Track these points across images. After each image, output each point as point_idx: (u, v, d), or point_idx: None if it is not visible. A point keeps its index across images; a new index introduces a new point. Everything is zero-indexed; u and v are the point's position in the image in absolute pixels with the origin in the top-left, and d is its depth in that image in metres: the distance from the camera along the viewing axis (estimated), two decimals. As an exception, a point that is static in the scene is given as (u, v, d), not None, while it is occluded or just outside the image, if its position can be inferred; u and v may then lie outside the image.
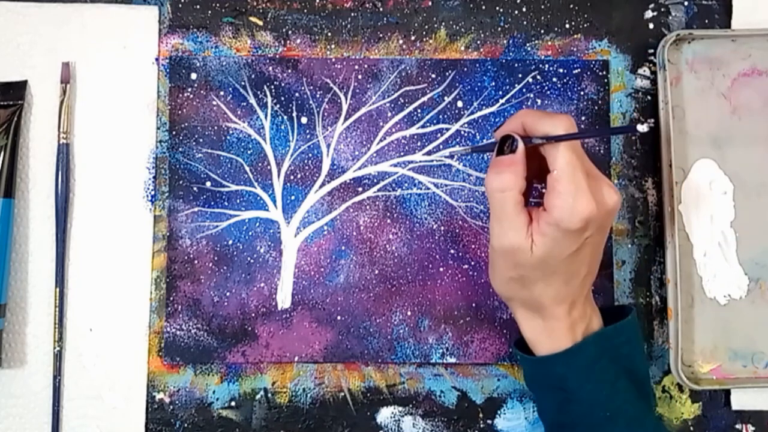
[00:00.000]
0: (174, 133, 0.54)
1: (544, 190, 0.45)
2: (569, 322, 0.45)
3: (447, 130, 0.54)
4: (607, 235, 0.46)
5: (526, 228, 0.43)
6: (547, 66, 0.54)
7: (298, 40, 0.55)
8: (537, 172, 0.45)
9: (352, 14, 0.55)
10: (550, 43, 0.55)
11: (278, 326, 0.53)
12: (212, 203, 0.53)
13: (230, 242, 0.53)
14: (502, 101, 0.54)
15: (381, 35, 0.55)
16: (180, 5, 0.55)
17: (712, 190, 0.54)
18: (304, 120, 0.54)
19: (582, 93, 0.54)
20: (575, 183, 0.41)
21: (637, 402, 0.46)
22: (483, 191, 0.53)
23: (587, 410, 0.45)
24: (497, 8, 0.55)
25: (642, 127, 0.39)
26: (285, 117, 0.54)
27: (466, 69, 0.54)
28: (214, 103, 0.54)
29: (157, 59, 0.54)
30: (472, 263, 0.53)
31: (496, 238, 0.44)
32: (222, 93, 0.54)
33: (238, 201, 0.53)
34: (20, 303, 0.52)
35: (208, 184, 0.53)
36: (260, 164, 0.54)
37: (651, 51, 0.55)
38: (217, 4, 0.55)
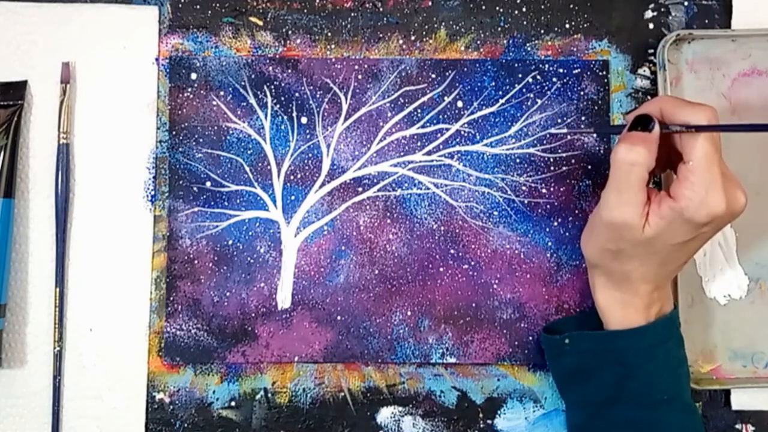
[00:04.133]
0: (174, 133, 0.54)
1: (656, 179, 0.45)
2: (648, 301, 0.45)
3: (447, 130, 0.54)
4: None
5: (643, 206, 0.43)
6: (547, 66, 0.54)
7: (298, 40, 0.55)
8: (661, 162, 0.45)
9: (352, 14, 0.55)
10: (550, 43, 0.55)
11: (278, 326, 0.53)
12: (212, 203, 0.53)
13: (230, 242, 0.53)
14: (502, 101, 0.54)
15: (381, 35, 0.55)
16: (180, 5, 0.55)
17: (712, 190, 0.54)
18: (304, 120, 0.54)
19: (582, 93, 0.54)
20: (711, 176, 0.42)
21: (687, 391, 0.47)
22: (483, 191, 0.53)
23: (646, 389, 0.45)
24: (497, 8, 0.55)
25: None
26: (285, 117, 0.54)
27: (466, 69, 0.54)
28: (214, 103, 0.54)
29: (157, 59, 0.54)
30: (472, 263, 0.53)
31: (609, 209, 0.43)
32: (222, 93, 0.54)
33: (238, 201, 0.53)
34: (20, 303, 0.52)
35: (208, 184, 0.53)
36: (260, 164, 0.54)
37: (651, 51, 0.55)
38: (217, 4, 0.55)
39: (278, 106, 0.54)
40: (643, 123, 0.44)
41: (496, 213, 0.54)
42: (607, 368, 0.47)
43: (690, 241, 0.44)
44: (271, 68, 0.54)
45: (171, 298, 0.53)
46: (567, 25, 0.55)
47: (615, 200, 0.43)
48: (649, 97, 0.55)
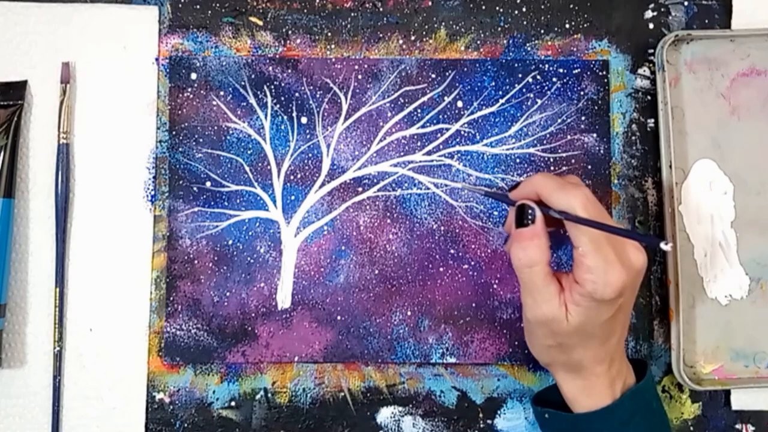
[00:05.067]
0: (174, 133, 0.54)
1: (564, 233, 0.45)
2: (609, 379, 0.45)
3: (447, 130, 0.54)
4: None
5: (558, 297, 0.43)
6: (547, 66, 0.54)
7: (298, 40, 0.55)
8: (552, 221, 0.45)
9: (352, 14, 0.55)
10: (550, 43, 0.55)
11: (278, 326, 0.53)
12: (212, 203, 0.53)
13: (230, 242, 0.53)
14: (502, 101, 0.54)
15: (381, 35, 0.55)
16: (180, 5, 0.55)
17: (712, 191, 0.54)
18: (304, 120, 0.54)
19: (582, 93, 0.54)
20: (603, 257, 0.42)
21: None
22: (483, 191, 0.53)
23: None
24: (497, 8, 0.55)
25: (666, 247, 0.39)
26: (285, 117, 0.54)
27: (466, 69, 0.54)
28: (214, 103, 0.54)
29: (157, 59, 0.54)
30: (472, 263, 0.53)
31: (530, 310, 0.44)
32: (222, 93, 0.54)
33: (238, 201, 0.53)
34: (20, 303, 0.52)
35: (208, 184, 0.53)
36: (260, 164, 0.54)
37: (651, 51, 0.55)
38: (217, 4, 0.55)
39: (278, 106, 0.54)
40: (525, 213, 0.44)
41: (496, 213, 0.54)
42: None
43: (615, 315, 0.44)
44: (271, 68, 0.54)
45: (171, 298, 0.53)
46: (567, 25, 0.55)
47: (531, 301, 0.44)
48: (649, 98, 0.55)
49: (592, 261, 0.42)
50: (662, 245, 0.39)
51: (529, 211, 0.44)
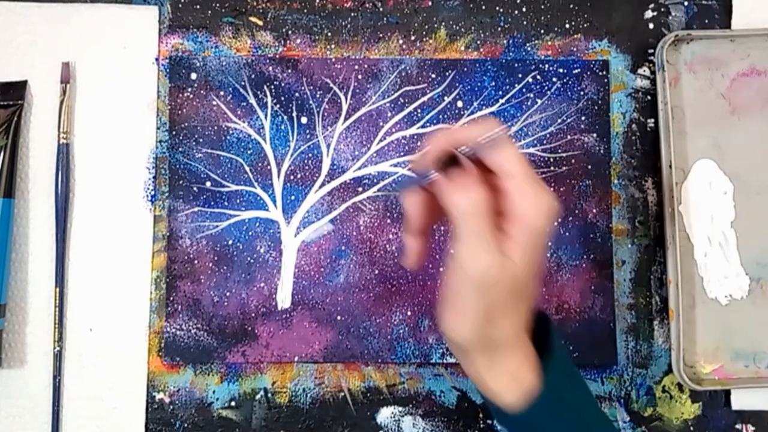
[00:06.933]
0: (174, 133, 0.54)
1: None
2: (532, 353, 0.40)
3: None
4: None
5: (498, 244, 0.38)
6: (547, 66, 0.54)
7: (298, 40, 0.55)
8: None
9: (352, 14, 0.55)
10: (550, 43, 0.55)
11: (278, 326, 0.53)
12: (212, 203, 0.53)
13: (230, 242, 0.53)
14: (502, 101, 0.54)
15: (381, 35, 0.55)
16: (180, 5, 0.55)
17: (712, 191, 0.54)
18: (304, 120, 0.54)
19: (582, 93, 0.54)
20: (533, 178, 0.38)
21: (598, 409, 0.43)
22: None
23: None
24: (497, 8, 0.55)
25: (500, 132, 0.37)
26: (285, 117, 0.54)
27: (466, 69, 0.54)
28: (214, 103, 0.54)
29: (157, 59, 0.54)
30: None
31: (468, 263, 0.38)
32: (222, 93, 0.54)
33: (238, 201, 0.53)
34: (20, 303, 0.52)
35: (208, 184, 0.53)
36: (260, 164, 0.54)
37: (651, 51, 0.55)
38: (217, 4, 0.55)
39: (278, 106, 0.54)
40: (450, 162, 0.39)
41: (496, 213, 0.54)
42: None
43: (543, 252, 0.40)
44: (271, 68, 0.54)
45: (171, 298, 0.53)
46: (567, 25, 0.55)
47: (470, 254, 0.38)
48: (649, 98, 0.55)
49: (524, 185, 0.38)
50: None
51: (455, 157, 0.39)
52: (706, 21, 0.55)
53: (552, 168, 0.54)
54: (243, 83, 0.54)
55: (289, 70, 0.54)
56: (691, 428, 0.53)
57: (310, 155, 0.54)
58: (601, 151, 0.54)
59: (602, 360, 0.53)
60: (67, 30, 0.54)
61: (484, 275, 0.38)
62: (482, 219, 0.38)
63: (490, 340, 0.39)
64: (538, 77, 0.54)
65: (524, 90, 0.54)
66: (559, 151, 0.54)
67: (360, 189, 0.54)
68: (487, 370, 0.40)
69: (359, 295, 0.53)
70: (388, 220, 0.53)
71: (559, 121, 0.54)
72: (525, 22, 0.55)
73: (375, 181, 0.54)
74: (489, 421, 0.53)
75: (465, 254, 0.38)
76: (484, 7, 0.55)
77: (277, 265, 0.53)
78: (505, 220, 0.38)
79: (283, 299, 0.53)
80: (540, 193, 0.38)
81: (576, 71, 0.54)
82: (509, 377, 0.39)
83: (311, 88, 0.54)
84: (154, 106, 0.54)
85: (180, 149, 0.53)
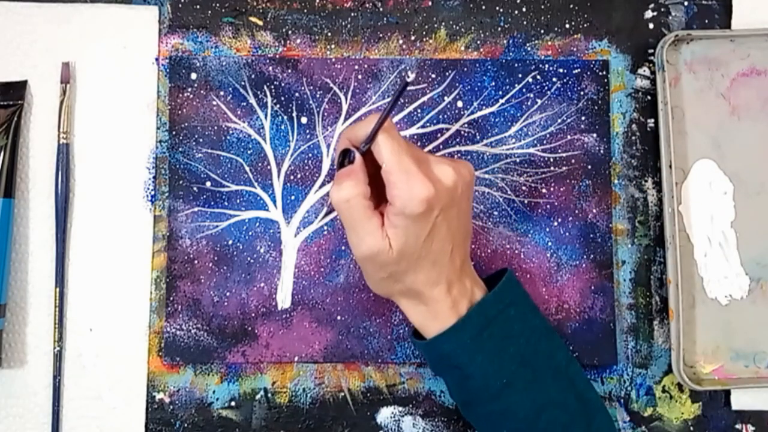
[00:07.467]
0: (174, 133, 0.54)
1: None
2: (450, 300, 0.45)
3: (447, 130, 0.54)
4: (468, 208, 0.46)
5: (380, 229, 0.43)
6: (547, 66, 0.54)
7: (298, 40, 0.55)
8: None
9: (352, 14, 0.55)
10: (550, 43, 0.55)
11: (278, 326, 0.53)
12: (212, 203, 0.53)
13: (230, 242, 0.53)
14: (502, 101, 0.54)
15: (381, 35, 0.55)
16: (180, 5, 0.55)
17: (712, 191, 0.54)
18: (304, 120, 0.54)
19: (582, 93, 0.54)
20: (405, 168, 0.42)
21: (536, 362, 0.45)
22: (483, 191, 0.54)
23: (483, 383, 0.45)
24: (497, 8, 0.55)
25: (410, 77, 0.40)
26: (285, 117, 0.54)
27: (466, 69, 0.54)
28: (214, 103, 0.54)
29: (157, 59, 0.54)
30: (472, 263, 0.53)
31: (356, 248, 0.44)
32: (222, 93, 0.54)
33: (238, 201, 0.53)
34: (20, 303, 0.52)
35: (208, 184, 0.53)
36: (260, 164, 0.54)
37: (651, 51, 0.55)
38: (217, 4, 0.55)
39: (278, 106, 0.54)
40: (348, 157, 0.45)
41: (496, 213, 0.54)
42: (449, 375, 0.47)
43: (434, 231, 0.43)
44: (271, 68, 0.54)
45: (171, 298, 0.53)
46: (567, 25, 0.55)
47: (355, 239, 0.44)
48: (649, 98, 0.55)
49: (395, 175, 0.42)
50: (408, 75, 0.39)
51: (349, 155, 0.44)
52: (706, 21, 0.56)
53: (552, 168, 0.54)
54: (243, 83, 0.54)
55: (289, 70, 0.54)
56: (691, 428, 0.53)
57: (310, 155, 0.54)
58: (601, 151, 0.54)
59: (602, 360, 0.53)
60: (67, 30, 0.54)
61: (372, 255, 0.43)
62: (356, 209, 0.43)
63: (407, 291, 0.45)
64: (538, 77, 0.54)
65: (524, 90, 0.54)
66: (559, 151, 0.54)
67: (360, 189, 0.53)
68: (409, 309, 0.46)
69: (359, 295, 0.53)
70: (388, 220, 0.53)
71: (559, 121, 0.54)
72: (525, 22, 0.55)
73: (375, 181, 0.54)
74: (489, 421, 0.53)
75: (351, 239, 0.44)
76: (484, 7, 0.55)
77: (277, 265, 0.53)
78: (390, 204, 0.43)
79: (283, 299, 0.53)
80: (413, 182, 0.42)
81: (576, 71, 0.54)
82: (427, 316, 0.45)
83: (311, 88, 0.54)
84: (154, 106, 0.54)
85: (180, 149, 0.53)
